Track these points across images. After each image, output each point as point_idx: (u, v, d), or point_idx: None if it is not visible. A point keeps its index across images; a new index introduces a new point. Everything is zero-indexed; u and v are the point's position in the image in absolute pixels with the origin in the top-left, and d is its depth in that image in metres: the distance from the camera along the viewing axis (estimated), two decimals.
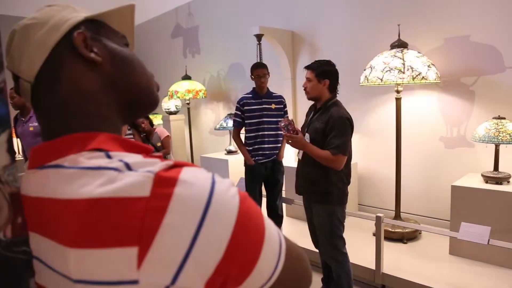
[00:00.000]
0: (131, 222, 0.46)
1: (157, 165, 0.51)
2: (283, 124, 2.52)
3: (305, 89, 2.53)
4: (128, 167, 0.51)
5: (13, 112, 4.22)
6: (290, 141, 2.48)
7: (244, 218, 0.51)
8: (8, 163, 0.57)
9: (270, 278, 0.54)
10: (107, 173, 0.50)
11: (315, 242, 2.73)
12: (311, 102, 2.66)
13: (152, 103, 0.66)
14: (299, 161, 2.64)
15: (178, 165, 0.52)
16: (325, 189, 2.45)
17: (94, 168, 0.51)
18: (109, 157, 0.52)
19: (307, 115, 2.70)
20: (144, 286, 0.47)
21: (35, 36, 0.58)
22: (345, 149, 2.36)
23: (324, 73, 2.48)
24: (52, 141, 0.56)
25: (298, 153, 2.61)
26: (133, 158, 0.53)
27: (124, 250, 0.46)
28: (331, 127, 2.36)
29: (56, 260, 0.53)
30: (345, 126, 2.37)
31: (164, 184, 0.48)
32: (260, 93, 3.38)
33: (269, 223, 0.56)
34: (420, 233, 3.51)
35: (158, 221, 0.46)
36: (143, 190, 0.47)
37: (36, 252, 0.56)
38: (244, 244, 0.50)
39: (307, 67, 2.54)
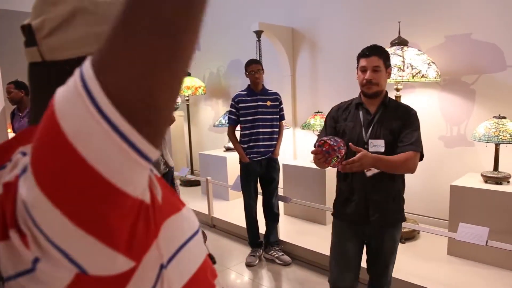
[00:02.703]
0: (8, 204, 0.44)
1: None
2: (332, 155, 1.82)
3: (369, 82, 1.93)
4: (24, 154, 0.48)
5: (10, 107, 4.21)
6: (351, 165, 1.80)
7: None
8: None
9: None
10: (16, 158, 0.48)
11: (351, 277, 2.10)
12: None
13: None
14: (362, 181, 1.97)
15: None
16: (401, 205, 2.05)
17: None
18: None
19: (333, 118, 2.11)
20: (44, 261, 0.43)
21: (93, 26, 0.52)
22: (422, 144, 1.96)
23: (389, 59, 2.01)
24: (9, 140, 0.54)
25: (367, 170, 1.94)
26: None
27: (12, 239, 0.44)
28: (410, 123, 1.94)
29: None
30: (419, 121, 1.99)
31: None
32: (255, 90, 3.34)
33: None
34: (418, 233, 3.47)
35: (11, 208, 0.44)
36: (18, 169, 0.45)
37: None
38: None
39: (369, 54, 1.94)
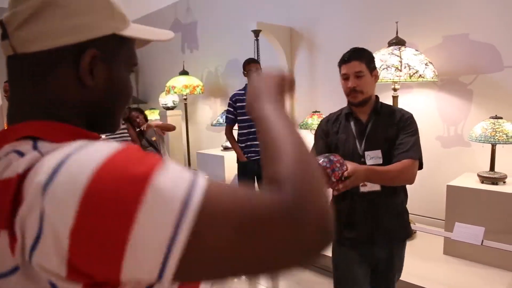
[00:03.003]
0: (3, 203, 0.44)
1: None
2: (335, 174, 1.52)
3: (353, 90, 1.75)
4: (35, 148, 0.49)
5: (7, 105, 4.20)
6: (344, 184, 1.57)
7: (103, 178, 0.41)
8: None
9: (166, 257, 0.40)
10: (11, 157, 0.48)
11: None
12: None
13: (111, 130, 0.63)
14: (363, 199, 1.79)
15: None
16: (407, 218, 1.90)
17: (7, 154, 0.49)
18: (35, 146, 0.49)
19: (323, 131, 1.91)
20: (27, 270, 0.44)
21: (63, 19, 0.52)
22: (421, 153, 1.79)
23: (373, 61, 1.81)
24: None
25: (362, 185, 1.77)
26: (54, 145, 0.50)
27: (1, 235, 0.44)
28: (406, 128, 1.77)
29: None
30: (416, 125, 1.81)
31: (40, 164, 0.45)
32: None
33: (166, 172, 0.42)
34: (415, 233, 3.48)
35: (23, 196, 0.44)
36: (19, 168, 0.45)
37: None
38: (103, 210, 0.40)
39: (349, 59, 1.75)
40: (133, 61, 0.63)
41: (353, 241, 1.83)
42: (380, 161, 1.73)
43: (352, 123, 1.84)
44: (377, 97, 1.87)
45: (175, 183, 0.41)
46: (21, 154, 0.48)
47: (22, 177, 0.44)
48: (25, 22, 0.51)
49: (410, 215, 3.65)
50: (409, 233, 1.90)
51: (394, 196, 1.80)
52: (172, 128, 4.12)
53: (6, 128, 0.54)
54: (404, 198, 1.88)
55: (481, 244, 2.28)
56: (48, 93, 0.54)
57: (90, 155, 0.43)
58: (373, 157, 1.75)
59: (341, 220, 1.85)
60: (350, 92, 1.76)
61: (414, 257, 3.06)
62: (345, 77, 1.77)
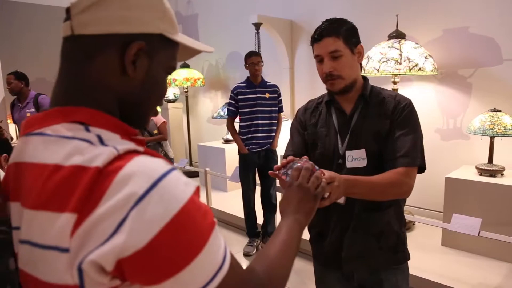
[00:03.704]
0: (78, 189, 0.48)
1: (125, 145, 0.53)
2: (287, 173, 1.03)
3: (329, 75, 1.33)
4: (101, 141, 0.54)
5: (10, 98, 4.22)
6: (324, 197, 1.06)
7: (188, 213, 0.50)
8: None
9: None
10: (79, 144, 0.52)
11: None
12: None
13: (139, 127, 0.69)
14: (338, 209, 1.29)
15: (145, 153, 0.55)
16: (397, 239, 1.45)
17: (69, 137, 0.53)
18: (87, 130, 0.55)
19: (300, 123, 1.51)
20: (72, 254, 0.48)
21: (120, 10, 0.58)
22: (422, 154, 1.35)
23: (355, 34, 1.36)
24: (43, 112, 0.59)
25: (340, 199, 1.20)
26: (110, 136, 0.56)
27: (63, 215, 0.48)
28: (402, 121, 1.34)
29: (17, 223, 0.56)
30: (416, 117, 1.39)
31: (118, 162, 0.50)
32: (255, 82, 3.37)
33: (217, 236, 0.55)
34: (413, 224, 3.52)
35: (101, 193, 0.48)
36: (99, 161, 0.50)
37: (15, 222, 0.58)
38: (176, 240, 0.49)
39: (320, 36, 1.32)
40: (172, 65, 0.68)
41: (327, 259, 1.48)
42: (364, 163, 1.34)
43: (334, 114, 1.43)
44: (365, 80, 1.44)
45: (218, 251, 0.55)
46: (90, 143, 0.53)
47: (101, 171, 0.49)
48: (88, 8, 0.57)
49: (409, 207, 3.71)
50: (399, 259, 1.46)
51: (371, 212, 1.38)
52: (164, 139, 4.32)
53: (53, 109, 0.59)
54: (394, 216, 1.42)
55: (478, 235, 2.32)
56: (92, 75, 0.59)
57: (179, 188, 0.52)
58: (355, 158, 1.35)
59: (315, 230, 1.52)
60: (326, 78, 1.34)
61: (413, 249, 3.05)
62: (318, 60, 1.35)
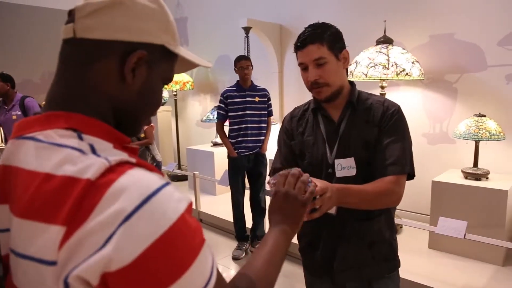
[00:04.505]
0: (68, 202, 0.48)
1: (117, 156, 0.53)
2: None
3: (315, 83, 1.30)
4: (94, 150, 0.53)
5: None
6: (315, 209, 1.06)
7: (177, 232, 0.50)
8: None
9: None
10: (71, 153, 0.52)
11: None
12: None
13: (132, 134, 0.69)
14: (329, 218, 1.21)
15: (138, 164, 0.54)
16: (389, 247, 1.46)
17: (61, 145, 0.53)
18: (80, 138, 0.55)
19: (286, 132, 1.48)
20: (59, 268, 0.47)
21: (126, 18, 0.59)
22: (411, 161, 1.35)
23: (339, 39, 1.33)
24: (37, 116, 0.58)
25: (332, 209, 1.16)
26: (102, 145, 0.55)
27: (52, 227, 0.48)
28: (391, 128, 1.32)
29: (4, 225, 0.55)
30: (405, 123, 1.38)
31: (110, 174, 0.50)
32: (244, 86, 3.38)
33: (205, 254, 0.54)
34: (401, 227, 3.56)
35: (92, 206, 0.47)
36: (90, 173, 0.49)
37: (2, 225, 0.57)
38: (162, 258, 0.48)
39: (303, 43, 1.29)
40: (169, 76, 0.68)
41: (318, 269, 1.47)
42: (353, 172, 1.32)
43: (321, 122, 1.40)
44: (352, 85, 1.41)
45: (204, 269, 0.54)
46: (82, 152, 0.52)
47: (92, 184, 0.48)
48: (94, 12, 0.58)
49: (396, 210, 3.74)
50: (391, 267, 1.48)
51: (363, 221, 1.37)
52: (149, 143, 4.30)
53: (46, 113, 0.58)
54: (385, 224, 1.42)
55: (464, 237, 2.36)
56: (90, 80, 0.59)
57: (171, 206, 0.51)
58: (345, 166, 1.33)
59: (305, 240, 1.49)
60: (312, 86, 1.32)
61: (400, 251, 3.11)
62: (303, 67, 1.33)
